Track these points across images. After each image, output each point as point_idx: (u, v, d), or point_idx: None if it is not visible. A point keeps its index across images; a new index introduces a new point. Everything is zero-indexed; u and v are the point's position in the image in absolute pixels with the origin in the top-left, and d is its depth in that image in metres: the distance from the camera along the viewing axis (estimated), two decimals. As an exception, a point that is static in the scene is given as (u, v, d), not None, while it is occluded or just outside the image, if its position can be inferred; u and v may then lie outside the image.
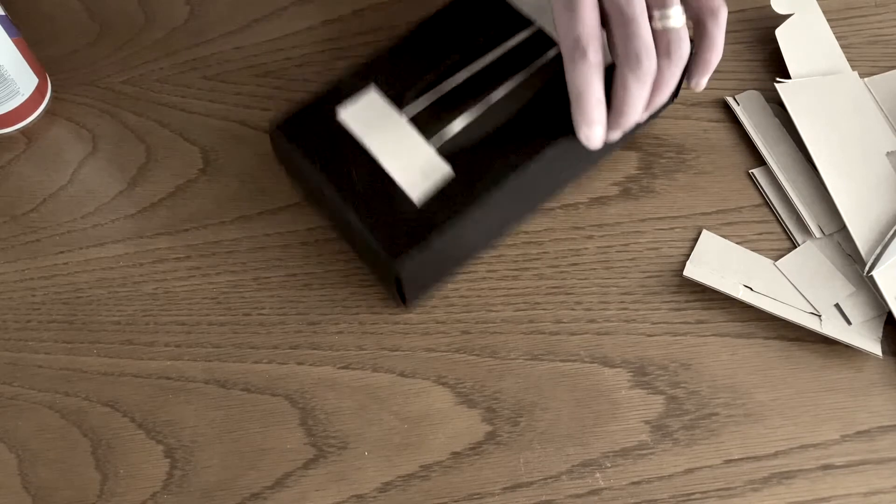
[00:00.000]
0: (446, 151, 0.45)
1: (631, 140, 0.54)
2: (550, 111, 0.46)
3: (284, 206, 0.53)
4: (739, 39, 0.57)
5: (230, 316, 0.50)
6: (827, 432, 0.46)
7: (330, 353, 0.48)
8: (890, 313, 0.47)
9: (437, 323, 0.49)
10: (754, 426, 0.46)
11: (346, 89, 0.47)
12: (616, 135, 0.45)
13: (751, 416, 0.46)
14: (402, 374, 0.48)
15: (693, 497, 0.44)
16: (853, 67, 0.55)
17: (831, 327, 0.47)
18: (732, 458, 0.45)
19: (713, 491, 0.44)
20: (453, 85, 0.47)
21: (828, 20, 0.57)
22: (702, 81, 0.47)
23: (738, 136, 0.54)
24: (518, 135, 0.46)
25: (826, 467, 0.45)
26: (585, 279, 0.50)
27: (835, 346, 0.48)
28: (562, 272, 0.50)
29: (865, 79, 0.55)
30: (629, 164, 0.54)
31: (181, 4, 0.60)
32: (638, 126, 0.50)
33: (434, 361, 0.48)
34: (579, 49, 0.42)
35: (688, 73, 0.46)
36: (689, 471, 0.45)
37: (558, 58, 0.46)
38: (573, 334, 0.48)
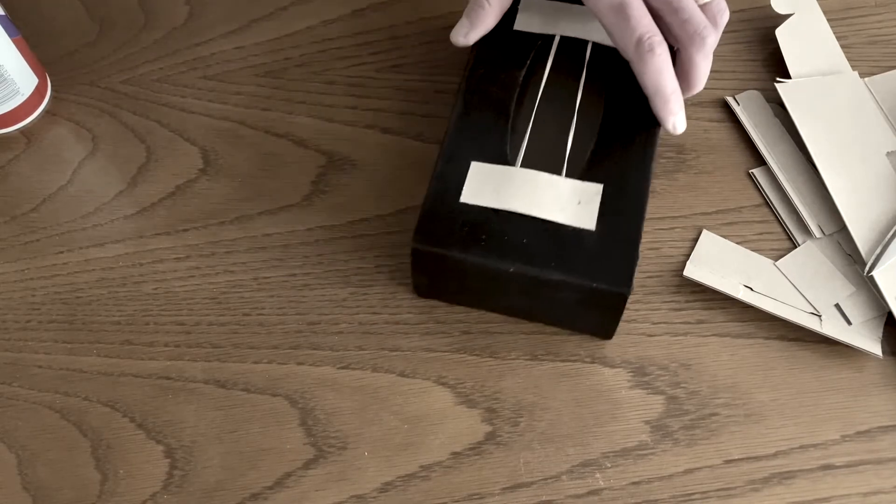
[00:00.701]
0: (576, 175, 0.45)
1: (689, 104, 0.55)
2: (629, 98, 0.47)
3: (284, 206, 0.53)
4: (739, 39, 0.57)
5: (230, 316, 0.49)
6: (827, 432, 0.46)
7: (330, 353, 0.48)
8: (890, 313, 0.47)
9: (437, 323, 0.49)
10: (754, 426, 0.46)
11: (449, 179, 0.45)
12: None
13: (751, 416, 0.46)
14: (402, 374, 0.48)
15: (693, 497, 0.44)
16: (853, 67, 0.55)
17: (831, 327, 0.47)
18: (732, 458, 0.45)
19: (713, 491, 0.44)
20: (535, 117, 0.47)
21: (828, 20, 0.57)
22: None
23: (738, 136, 0.54)
24: (621, 130, 0.47)
25: (826, 467, 0.45)
26: (585, 279, 0.50)
27: (835, 346, 0.48)
28: (562, 272, 0.50)
29: (865, 79, 0.55)
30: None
31: (181, 4, 0.60)
32: None
33: (434, 361, 0.48)
34: (644, 47, 0.45)
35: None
36: (689, 471, 0.45)
37: (598, 50, 0.49)
38: (573, 334, 0.48)
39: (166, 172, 0.54)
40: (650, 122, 0.47)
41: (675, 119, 0.47)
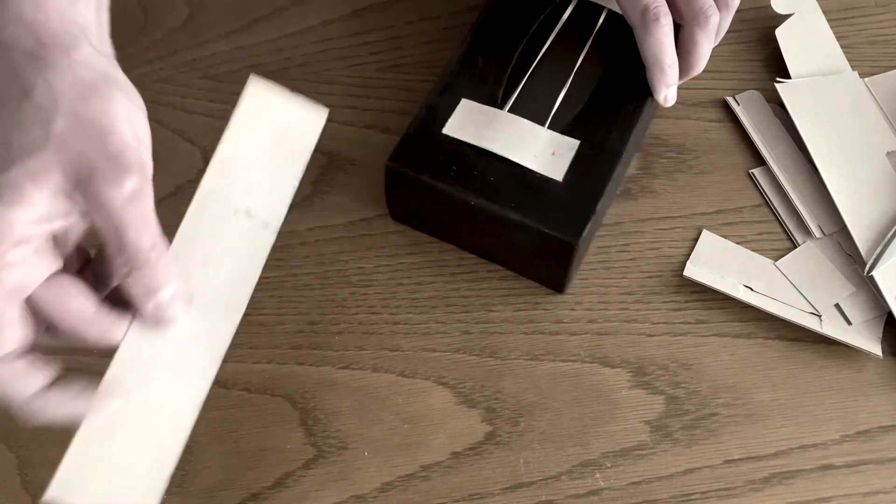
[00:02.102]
0: (558, 128, 0.47)
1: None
2: (629, 68, 0.48)
3: (284, 206, 0.53)
4: (739, 39, 0.57)
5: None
6: (827, 432, 0.46)
7: (330, 353, 0.48)
8: (890, 313, 0.47)
9: (437, 323, 0.49)
10: (754, 426, 0.46)
11: (438, 110, 0.47)
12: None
13: (751, 416, 0.46)
14: (402, 374, 0.48)
15: (693, 497, 0.44)
16: (853, 67, 0.55)
17: (831, 327, 0.47)
18: (732, 458, 0.45)
19: (713, 491, 0.44)
20: (533, 70, 0.49)
21: (828, 20, 0.57)
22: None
23: (738, 136, 0.54)
24: (613, 96, 0.48)
25: (826, 467, 0.45)
26: (585, 279, 0.50)
27: (835, 346, 0.48)
28: (562, 272, 0.50)
29: (865, 79, 0.55)
30: (629, 164, 0.54)
31: (181, 4, 0.60)
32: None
33: (434, 361, 0.48)
34: (650, 15, 0.45)
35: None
36: (689, 471, 0.45)
37: (612, 18, 0.49)
38: (573, 334, 0.48)
39: (166, 172, 0.54)
40: (643, 92, 0.48)
41: (668, 92, 0.48)
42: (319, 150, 0.55)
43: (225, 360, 0.48)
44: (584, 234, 0.44)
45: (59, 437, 0.47)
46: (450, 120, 0.47)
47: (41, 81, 0.31)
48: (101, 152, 0.30)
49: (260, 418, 0.47)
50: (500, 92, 0.48)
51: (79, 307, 0.32)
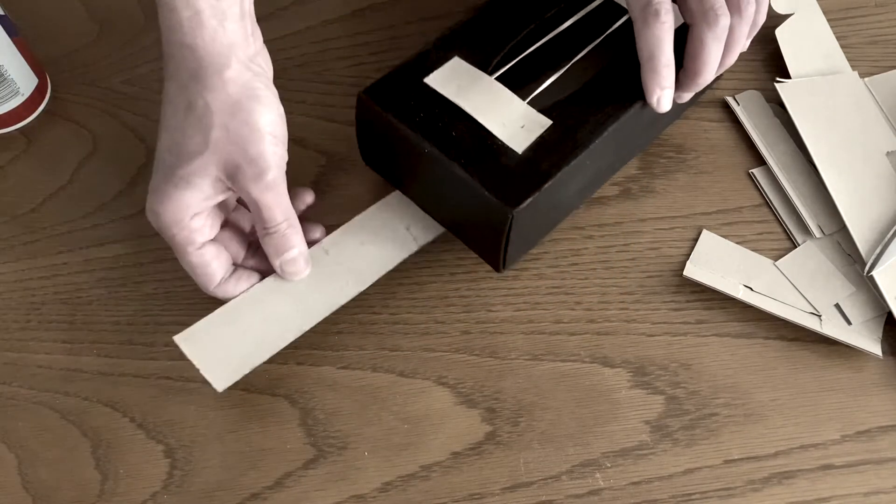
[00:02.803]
0: (539, 107, 0.46)
1: (697, 102, 0.55)
2: (630, 69, 0.47)
3: (284, 206, 0.53)
4: (739, 39, 0.57)
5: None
6: (827, 432, 0.46)
7: (330, 353, 0.48)
8: (890, 313, 0.47)
9: (437, 323, 0.49)
10: (754, 426, 0.46)
11: (430, 59, 0.48)
12: (688, 95, 0.48)
13: (751, 416, 0.46)
14: (402, 374, 0.48)
15: (693, 497, 0.44)
16: (853, 67, 0.55)
17: (831, 327, 0.47)
18: (732, 458, 0.45)
19: (713, 491, 0.44)
20: (535, 49, 0.49)
21: (828, 20, 0.57)
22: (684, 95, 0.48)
23: (738, 136, 0.54)
24: (605, 91, 0.47)
25: (826, 467, 0.45)
26: (585, 279, 0.50)
27: (835, 346, 0.48)
28: (562, 272, 0.50)
29: (865, 79, 0.55)
30: (629, 164, 0.54)
31: (181, 4, 0.60)
32: (706, 88, 0.51)
33: (434, 361, 0.48)
34: (651, 10, 0.44)
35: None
36: (689, 471, 0.45)
37: (629, 23, 0.48)
38: (573, 334, 0.48)
39: (166, 172, 0.54)
40: (636, 95, 0.47)
41: (660, 94, 0.46)
42: (319, 150, 0.55)
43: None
44: (523, 207, 0.43)
45: (59, 437, 0.47)
46: (435, 72, 0.47)
47: (200, 99, 0.42)
48: (244, 157, 0.42)
49: (260, 418, 0.47)
50: (495, 61, 0.48)
51: (233, 251, 0.47)
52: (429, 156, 0.45)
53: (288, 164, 0.55)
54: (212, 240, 0.45)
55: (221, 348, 0.45)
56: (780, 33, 0.56)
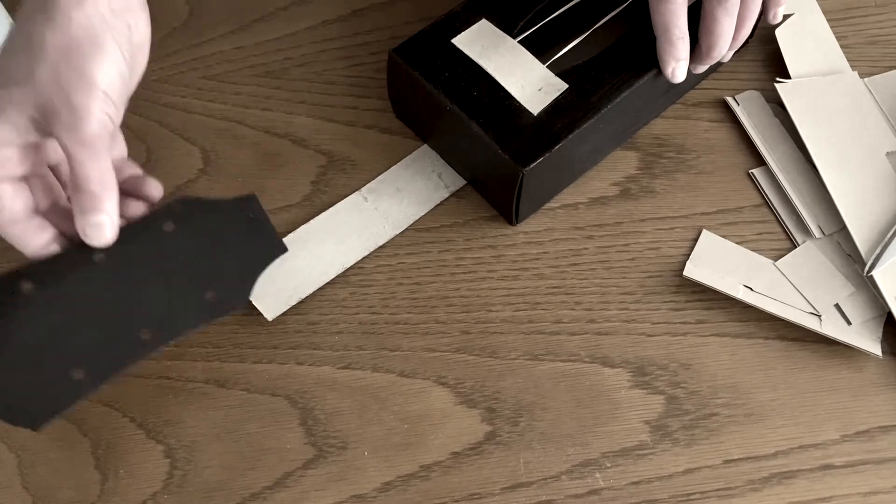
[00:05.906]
0: (557, 71, 0.48)
1: (711, 74, 0.56)
2: (648, 39, 0.49)
3: (284, 206, 0.53)
4: (739, 39, 0.57)
5: (230, 316, 0.49)
6: (827, 432, 0.46)
7: (330, 353, 0.48)
8: (890, 313, 0.47)
9: (437, 323, 0.49)
10: (754, 426, 0.46)
11: (459, 20, 0.50)
12: (702, 67, 0.50)
13: (751, 416, 0.46)
14: (402, 374, 0.48)
15: (693, 497, 0.44)
16: (853, 67, 0.55)
17: (831, 327, 0.47)
18: (732, 458, 0.45)
19: (713, 491, 0.44)
20: (559, 14, 0.51)
21: (828, 20, 0.57)
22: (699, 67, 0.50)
23: (738, 136, 0.54)
24: (622, 58, 0.49)
25: (826, 467, 0.45)
26: (585, 279, 0.50)
27: (835, 346, 0.48)
28: (562, 272, 0.50)
29: (865, 79, 0.55)
30: (629, 164, 0.54)
31: (181, 4, 0.60)
32: (719, 63, 0.54)
33: (434, 361, 0.48)
34: None
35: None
36: (689, 471, 0.45)
37: None
38: (573, 334, 0.48)
39: (166, 172, 0.54)
40: (650, 64, 0.49)
41: (675, 66, 0.48)
42: (319, 150, 0.55)
43: (225, 360, 0.49)
44: (534, 166, 0.46)
45: (59, 437, 0.47)
46: (463, 33, 0.50)
47: (38, 32, 0.38)
48: (66, 103, 0.38)
49: (260, 418, 0.47)
50: (521, 24, 0.51)
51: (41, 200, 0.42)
52: (450, 112, 0.47)
53: (288, 164, 0.55)
54: (20, 179, 0.40)
55: (270, 282, 0.47)
56: (780, 33, 0.56)
